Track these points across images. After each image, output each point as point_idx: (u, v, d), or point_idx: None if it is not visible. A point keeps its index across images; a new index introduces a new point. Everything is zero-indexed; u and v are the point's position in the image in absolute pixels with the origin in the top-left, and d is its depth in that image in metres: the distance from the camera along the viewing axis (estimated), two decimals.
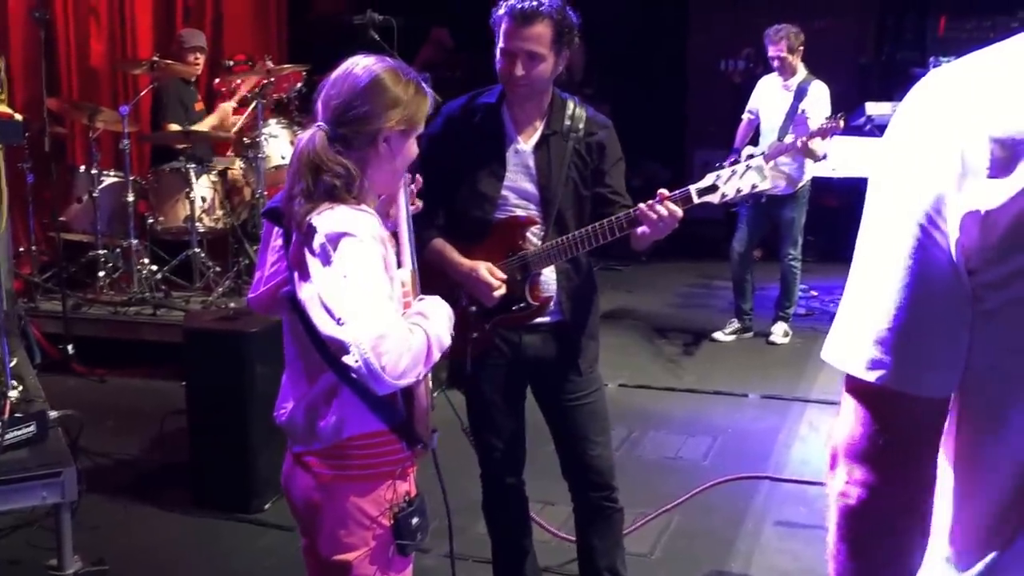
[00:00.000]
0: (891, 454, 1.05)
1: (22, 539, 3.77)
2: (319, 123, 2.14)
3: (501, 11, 2.75)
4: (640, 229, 2.71)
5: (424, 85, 2.20)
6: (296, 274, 2.09)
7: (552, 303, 2.92)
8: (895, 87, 9.39)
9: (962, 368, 1.03)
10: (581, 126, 2.87)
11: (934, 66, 8.50)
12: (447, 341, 2.14)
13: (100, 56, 7.26)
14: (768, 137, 6.41)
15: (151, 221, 6.04)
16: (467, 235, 2.92)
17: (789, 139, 6.17)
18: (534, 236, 2.87)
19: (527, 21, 2.71)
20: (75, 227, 6.15)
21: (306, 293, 2.04)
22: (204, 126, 6.44)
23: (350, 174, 2.07)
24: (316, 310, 2.01)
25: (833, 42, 8.69)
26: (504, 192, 2.87)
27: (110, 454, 4.73)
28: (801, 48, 6.31)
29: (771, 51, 6.31)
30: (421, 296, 2.27)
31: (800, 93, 6.27)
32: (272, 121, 6.40)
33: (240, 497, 4.16)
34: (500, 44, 2.77)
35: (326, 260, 2.00)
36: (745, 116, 6.68)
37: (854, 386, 1.07)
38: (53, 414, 3.60)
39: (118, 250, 6.11)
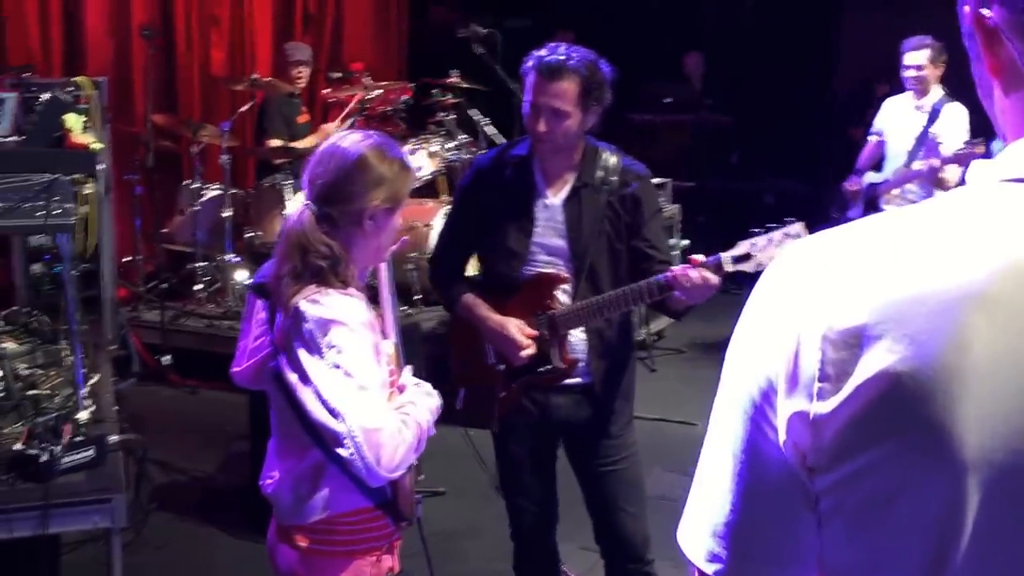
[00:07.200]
0: None
1: (89, 553, 3.78)
2: (307, 202, 2.13)
3: (530, 63, 2.67)
4: (676, 293, 2.59)
5: (407, 160, 2.19)
6: (282, 356, 2.07)
7: (581, 364, 2.80)
8: None
9: (813, 567, 0.92)
10: (615, 177, 2.74)
11: None
12: (432, 430, 2.16)
13: (221, 65, 7.38)
14: (894, 162, 5.94)
15: (249, 235, 6.03)
16: (495, 291, 2.84)
17: (918, 165, 5.69)
18: (563, 294, 2.76)
19: (552, 76, 2.62)
20: (178, 239, 6.25)
21: (294, 378, 2.03)
22: (305, 144, 6.40)
23: (335, 255, 2.06)
24: (308, 397, 2.00)
25: None
26: (533, 248, 2.77)
27: (187, 471, 4.77)
28: (943, 65, 5.76)
29: (908, 60, 5.75)
30: (417, 381, 2.26)
31: (933, 114, 5.75)
32: None
33: None
34: (526, 96, 2.67)
35: (316, 349, 1.98)
36: (871, 138, 6.23)
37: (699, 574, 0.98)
38: (114, 438, 3.61)
39: (216, 263, 6.16)
